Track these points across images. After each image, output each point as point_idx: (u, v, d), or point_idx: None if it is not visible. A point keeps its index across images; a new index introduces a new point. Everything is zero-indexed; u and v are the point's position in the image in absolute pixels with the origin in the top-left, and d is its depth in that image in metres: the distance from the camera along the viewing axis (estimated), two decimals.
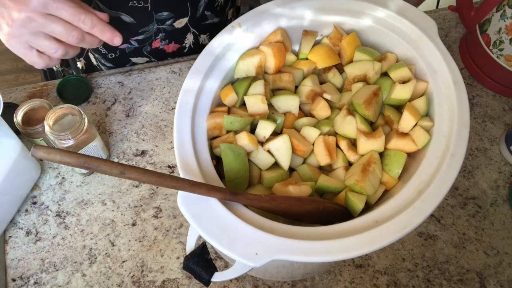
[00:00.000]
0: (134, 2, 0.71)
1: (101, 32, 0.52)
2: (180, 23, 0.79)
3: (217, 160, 0.52)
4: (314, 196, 0.50)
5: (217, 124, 0.51)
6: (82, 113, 0.59)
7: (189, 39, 0.83)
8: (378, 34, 0.57)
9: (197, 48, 0.87)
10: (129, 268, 0.62)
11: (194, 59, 0.54)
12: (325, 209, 0.48)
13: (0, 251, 0.62)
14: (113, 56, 0.82)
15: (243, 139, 0.50)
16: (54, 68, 0.92)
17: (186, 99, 0.50)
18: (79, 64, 0.85)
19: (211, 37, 0.86)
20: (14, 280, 0.61)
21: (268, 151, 0.52)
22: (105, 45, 0.79)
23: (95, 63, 0.85)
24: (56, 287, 0.61)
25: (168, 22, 0.77)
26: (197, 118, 0.51)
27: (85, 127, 0.60)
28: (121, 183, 0.68)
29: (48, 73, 0.95)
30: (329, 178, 0.51)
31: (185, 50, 0.85)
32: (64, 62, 0.90)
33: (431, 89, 0.52)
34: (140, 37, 0.78)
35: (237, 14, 0.93)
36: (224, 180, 0.50)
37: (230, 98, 0.53)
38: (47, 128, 0.58)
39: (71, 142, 0.59)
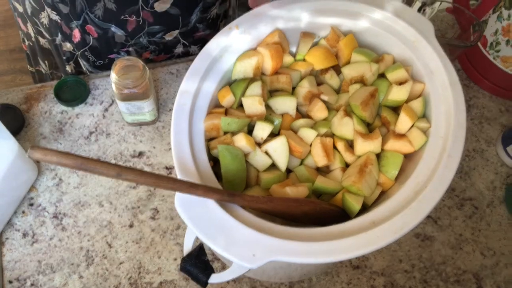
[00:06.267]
0: (126, 16, 0.71)
1: None
2: (171, 35, 0.78)
3: (214, 162, 0.51)
4: (311, 197, 0.50)
5: (214, 126, 0.51)
6: (146, 68, 0.64)
7: (179, 49, 0.83)
8: (375, 35, 0.57)
9: (187, 56, 0.86)
10: (126, 270, 0.62)
11: (192, 60, 0.54)
12: (322, 210, 0.48)
13: None
14: (102, 63, 0.81)
15: (241, 140, 0.50)
16: (43, 70, 0.92)
17: (184, 101, 0.50)
18: (68, 68, 0.85)
19: (201, 48, 0.86)
20: (10, 282, 0.60)
21: (266, 152, 0.52)
22: (93, 52, 0.79)
23: (84, 68, 0.84)
24: None
25: (159, 35, 0.77)
26: (194, 119, 0.50)
27: (145, 82, 0.64)
28: (118, 185, 0.68)
29: (37, 75, 0.94)
30: (326, 179, 0.51)
31: (174, 58, 0.85)
32: (52, 65, 0.89)
33: (428, 91, 0.53)
34: (130, 49, 0.78)
35: None
36: (221, 182, 0.50)
37: (227, 99, 0.53)
38: (113, 75, 0.63)
39: (130, 91, 0.64)
